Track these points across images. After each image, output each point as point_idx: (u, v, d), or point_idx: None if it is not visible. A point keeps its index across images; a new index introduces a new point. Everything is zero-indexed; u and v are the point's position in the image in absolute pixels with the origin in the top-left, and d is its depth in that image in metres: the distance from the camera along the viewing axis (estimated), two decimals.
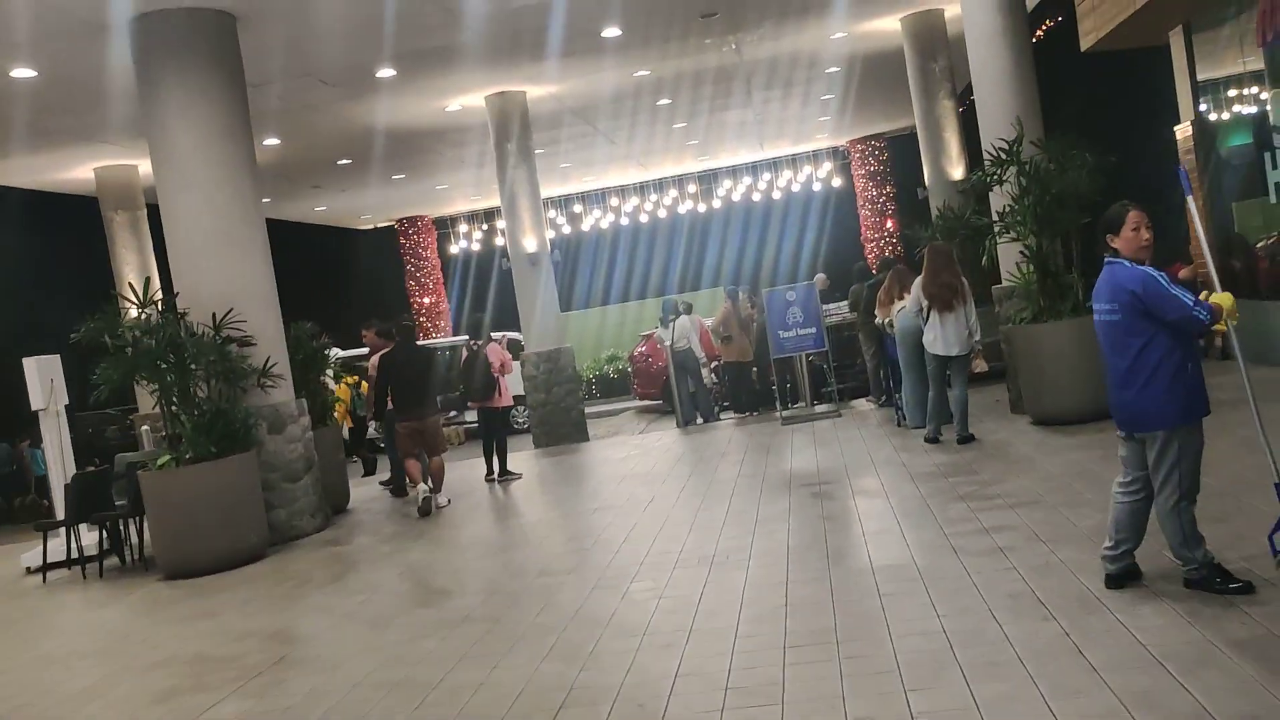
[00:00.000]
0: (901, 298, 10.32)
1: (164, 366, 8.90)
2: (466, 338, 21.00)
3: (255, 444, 9.34)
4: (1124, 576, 4.76)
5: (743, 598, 5.59)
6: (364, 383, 12.54)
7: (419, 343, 12.89)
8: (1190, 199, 5.03)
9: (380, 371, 10.40)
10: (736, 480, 9.16)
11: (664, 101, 16.53)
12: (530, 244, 14.63)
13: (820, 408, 13.30)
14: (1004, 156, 9.46)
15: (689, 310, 14.82)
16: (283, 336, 9.98)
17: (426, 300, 25.12)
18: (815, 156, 24.45)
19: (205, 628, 6.90)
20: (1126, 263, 4.63)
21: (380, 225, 25.79)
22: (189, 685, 5.67)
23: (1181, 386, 4.48)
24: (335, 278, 24.70)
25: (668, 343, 14.30)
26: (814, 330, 12.35)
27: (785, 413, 12.92)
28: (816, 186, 24.54)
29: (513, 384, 17.56)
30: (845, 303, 14.23)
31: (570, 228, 24.97)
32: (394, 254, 25.51)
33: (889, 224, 23.85)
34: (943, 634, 4.56)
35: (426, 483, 10.07)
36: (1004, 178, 9.55)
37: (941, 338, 9.22)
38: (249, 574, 8.43)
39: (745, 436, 12.01)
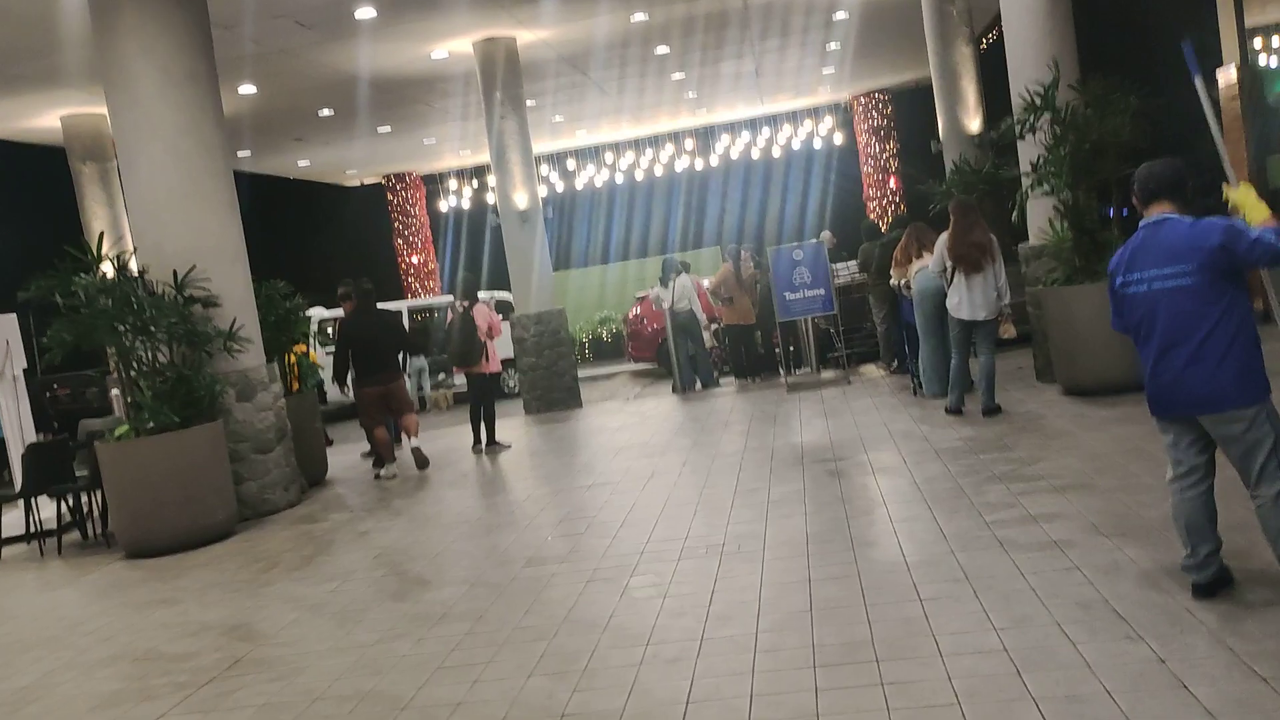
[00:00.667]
0: (920, 257, 9.53)
1: (122, 329, 8.08)
2: (452, 298, 20.25)
3: (222, 413, 8.55)
4: (1216, 584, 4.02)
5: (760, 598, 4.85)
6: (311, 351, 11.84)
7: (385, 305, 12.10)
8: (1198, 80, 4.31)
9: (340, 337, 9.94)
10: (743, 454, 8.41)
11: (662, 50, 15.58)
12: (521, 200, 13.76)
13: (827, 374, 12.54)
14: (1038, 102, 8.59)
15: (686, 269, 14.00)
16: (252, 297, 9.15)
17: (415, 259, 24.23)
18: (816, 112, 23.49)
19: (162, 617, 6.16)
20: (1183, 218, 3.93)
21: (368, 182, 24.81)
22: (134, 690, 4.94)
23: (1260, 352, 3.85)
24: (321, 235, 23.78)
25: (667, 304, 13.49)
26: (823, 292, 11.55)
27: (790, 379, 12.15)
28: (818, 144, 23.61)
29: (502, 347, 16.84)
30: (853, 262, 13.41)
31: (564, 185, 24.02)
32: (382, 211, 24.56)
33: (892, 182, 22.96)
34: (1004, 653, 3.81)
35: (395, 458, 9.92)
36: (1037, 125, 8.69)
37: (967, 301, 8.44)
38: (215, 553, 7.68)
39: (748, 404, 11.25)
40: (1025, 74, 9.11)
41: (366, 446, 11.07)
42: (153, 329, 7.98)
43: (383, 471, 9.99)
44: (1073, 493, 5.77)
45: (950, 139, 13.21)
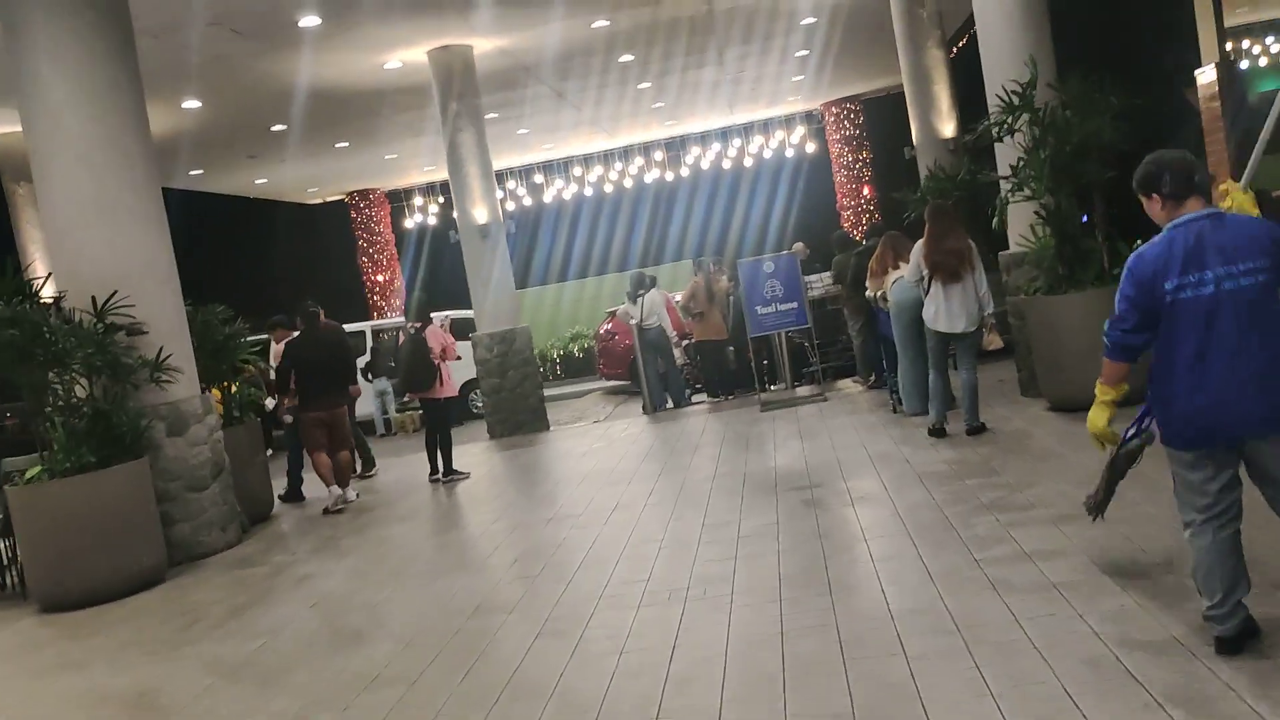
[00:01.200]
0: (896, 267, 9.04)
1: (38, 360, 7.44)
2: (403, 320, 19.62)
3: (150, 449, 7.92)
4: (1242, 637, 3.51)
5: (727, 654, 4.30)
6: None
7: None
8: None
9: (284, 359, 9.41)
10: (713, 481, 7.86)
11: (626, 58, 15.10)
12: (481, 214, 13.20)
13: (803, 390, 12.03)
14: (1016, 102, 8.13)
15: (654, 284, 13.47)
16: (184, 322, 8.54)
17: (380, 278, 23.60)
18: (788, 121, 23.08)
19: (64, 686, 5.53)
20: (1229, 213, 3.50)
21: (330, 199, 24.18)
22: None
23: None
24: (283, 255, 23.13)
25: (636, 320, 12.95)
26: (795, 305, 11.04)
27: (765, 396, 11.63)
28: (789, 153, 23.19)
29: (465, 368, 16.20)
30: (827, 274, 12.91)
31: (531, 199, 23.48)
32: (346, 229, 23.93)
33: (865, 191, 22.57)
34: None
35: (335, 485, 9.49)
36: (1015, 126, 8.23)
37: (945, 311, 7.93)
38: (139, 605, 7.04)
39: (721, 424, 10.71)
40: (1001, 73, 8.65)
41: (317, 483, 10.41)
42: (67, 360, 7.34)
43: (330, 504, 9.54)
44: (1069, 524, 5.26)
45: (924, 145, 12.78)
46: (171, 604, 6.92)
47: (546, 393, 21.12)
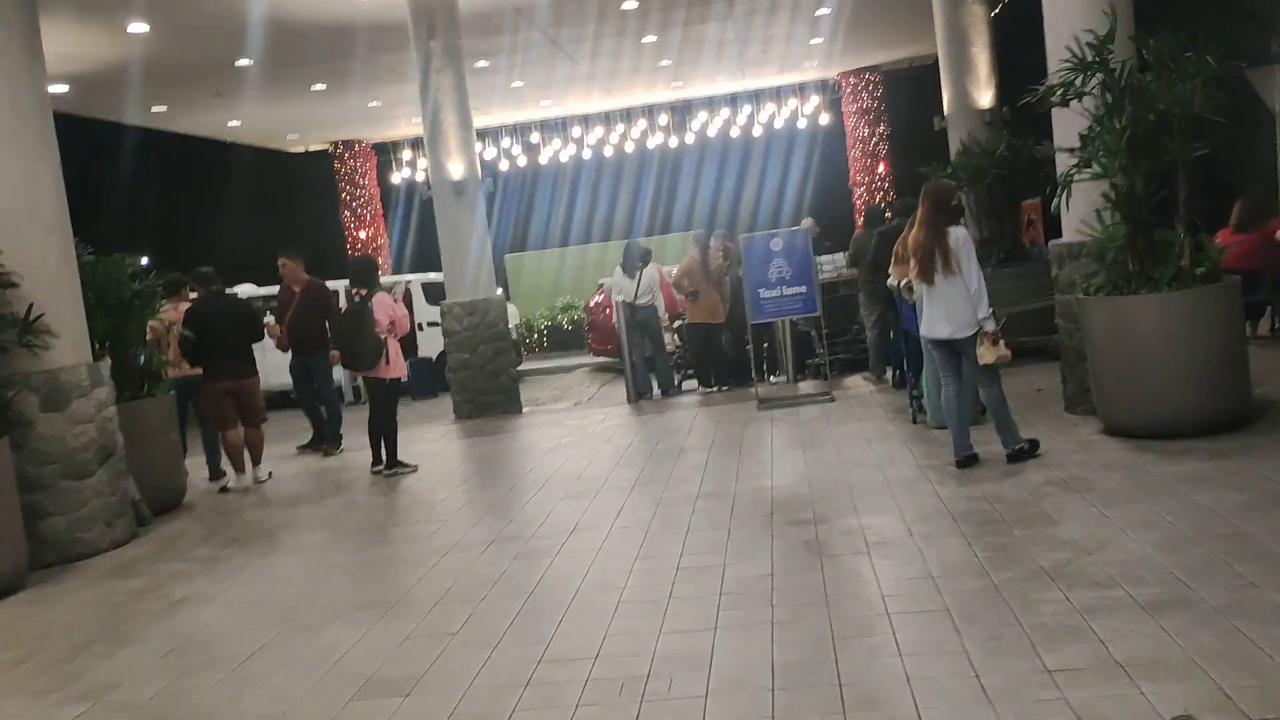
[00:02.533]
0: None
1: None
2: (398, 280, 18.12)
3: (18, 426, 6.48)
4: None
5: None
6: None
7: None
8: None
9: (185, 328, 8.18)
10: (696, 501, 6.41)
11: (629, 5, 13.49)
12: (456, 169, 11.66)
13: (806, 386, 10.57)
14: (1090, 57, 6.58)
15: (648, 258, 11.97)
16: (74, 275, 7.07)
17: (363, 234, 22.02)
18: (802, 90, 21.42)
19: None
20: None
21: (313, 149, 22.54)
22: None
23: None
24: (259, 205, 21.57)
25: (629, 297, 11.42)
26: (804, 290, 9.54)
27: (762, 391, 10.16)
28: (801, 123, 21.55)
29: (431, 342, 14.71)
30: (840, 255, 11.41)
31: (527, 159, 21.86)
32: (328, 181, 22.32)
33: (881, 168, 20.98)
34: None
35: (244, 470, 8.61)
36: (1086, 89, 6.68)
37: (926, 314, 6.55)
38: None
39: (711, 422, 9.25)
40: (1068, 25, 7.06)
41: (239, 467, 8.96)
42: None
43: (230, 484, 8.54)
44: (1168, 613, 3.81)
45: (957, 116, 11.24)
46: (11, 628, 5.49)
47: (530, 366, 19.82)
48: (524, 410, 11.98)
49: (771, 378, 11.56)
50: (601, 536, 5.86)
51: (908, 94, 21.77)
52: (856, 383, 10.50)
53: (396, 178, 22.43)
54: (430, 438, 10.41)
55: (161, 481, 8.04)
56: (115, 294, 7.83)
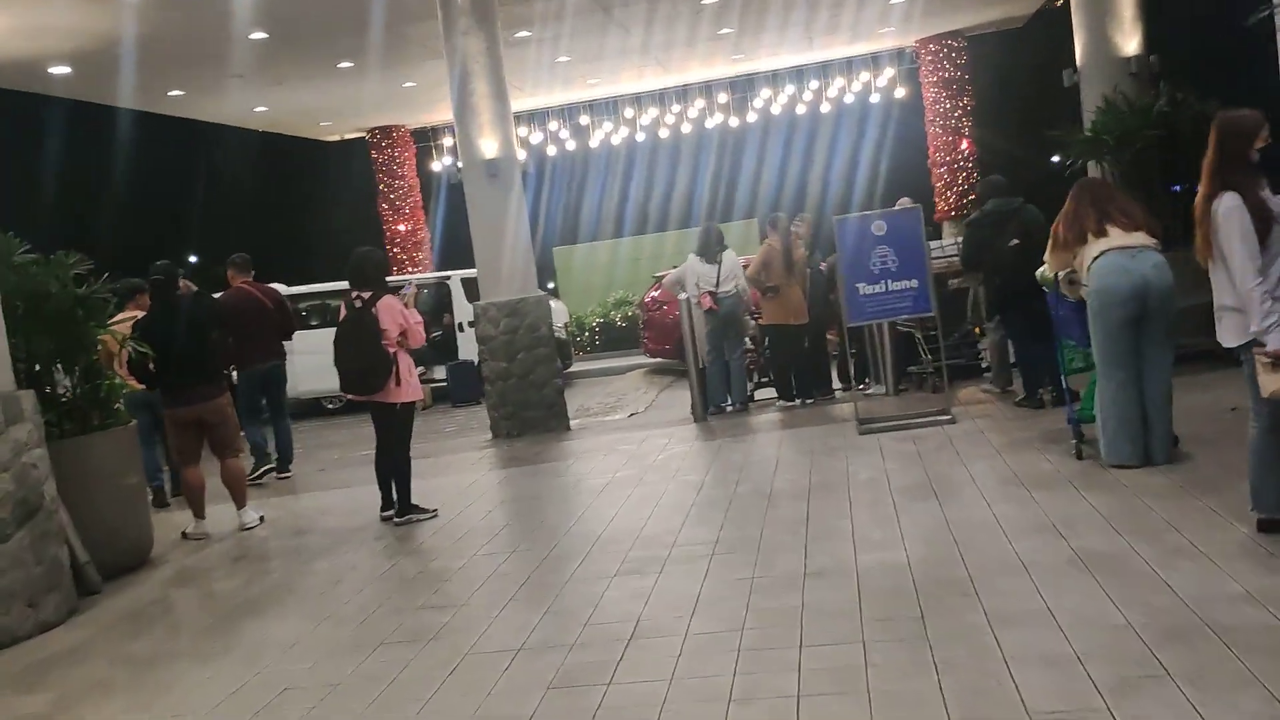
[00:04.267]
0: (1102, 233, 5.57)
1: None
2: (446, 275, 16.42)
3: None
4: None
5: None
6: None
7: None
8: None
9: (136, 340, 6.54)
10: (804, 586, 4.51)
11: None
12: (489, 147, 9.87)
13: (910, 400, 8.61)
14: None
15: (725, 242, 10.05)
16: None
17: (402, 227, 20.37)
18: (875, 60, 19.30)
19: None
20: None
21: (348, 137, 20.95)
22: None
23: None
24: (292, 199, 20.07)
25: (708, 286, 9.49)
26: (916, 284, 7.56)
27: (861, 406, 8.19)
28: (875, 98, 19.46)
29: (471, 345, 13.11)
30: (948, 242, 9.38)
31: (576, 143, 20.05)
32: (365, 171, 20.74)
33: (964, 144, 18.78)
34: None
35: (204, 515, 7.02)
36: None
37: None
38: None
39: (801, 452, 7.32)
40: None
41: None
42: None
43: (190, 530, 6.97)
44: None
45: (1094, 68, 9.15)
46: None
47: (581, 367, 18.00)
48: (571, 425, 10.19)
49: (861, 386, 9.59)
50: (673, 651, 4.00)
51: (994, 63, 19.61)
52: (974, 396, 8.49)
53: (437, 165, 20.76)
54: (460, 466, 8.63)
55: (118, 535, 6.37)
56: (55, 303, 6.14)
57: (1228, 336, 4.25)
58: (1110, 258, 5.48)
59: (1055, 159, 23.76)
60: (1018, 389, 8.08)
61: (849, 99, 19.45)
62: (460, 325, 15.32)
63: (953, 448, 6.75)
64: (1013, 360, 8.26)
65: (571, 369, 16.90)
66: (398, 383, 6.58)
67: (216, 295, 8.45)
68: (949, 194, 18.65)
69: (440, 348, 16.25)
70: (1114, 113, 8.31)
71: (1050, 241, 5.84)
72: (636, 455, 8.02)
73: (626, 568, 5.15)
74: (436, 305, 17.04)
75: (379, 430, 6.82)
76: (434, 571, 5.61)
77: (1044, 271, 6.09)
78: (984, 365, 9.38)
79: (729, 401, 9.65)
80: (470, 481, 7.94)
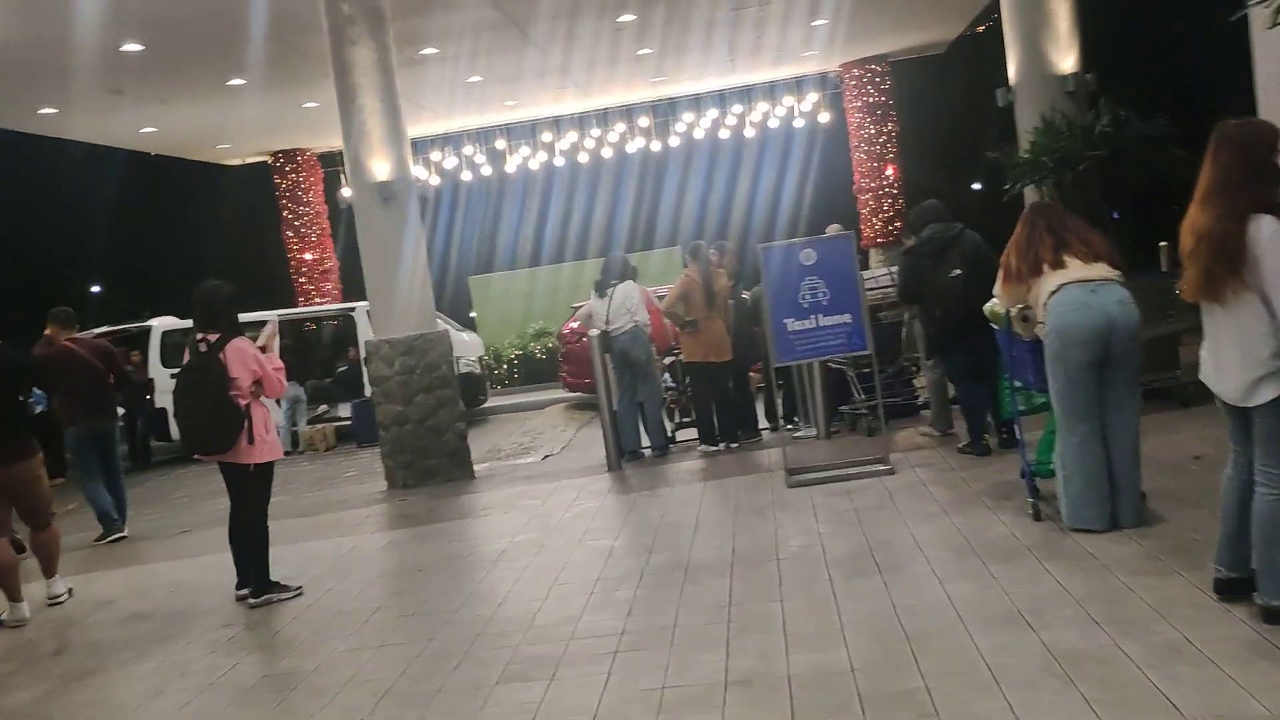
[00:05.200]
0: (1059, 264, 4.84)
1: None
2: (351, 306, 15.28)
3: None
4: None
5: None
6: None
7: None
8: None
9: None
10: (725, 699, 3.62)
11: None
12: (381, 168, 8.90)
13: (842, 444, 7.82)
14: None
15: (633, 274, 9.22)
16: None
17: (308, 256, 19.13)
18: (799, 85, 18.75)
19: None
20: None
21: (250, 161, 19.68)
22: None
23: None
24: (187, 227, 18.73)
25: (602, 321, 8.68)
26: (849, 319, 6.77)
27: (790, 454, 7.35)
28: (799, 123, 18.90)
29: (368, 384, 12.14)
30: (880, 271, 8.64)
31: (492, 168, 19.08)
32: (268, 197, 19.49)
33: (889, 171, 18.30)
34: None
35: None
36: None
37: (1208, 357, 3.74)
38: None
39: (726, 509, 6.45)
40: None
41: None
42: None
43: (5, 616, 5.87)
44: None
45: (1029, 86, 8.53)
46: None
47: (497, 402, 16.97)
48: (478, 471, 9.22)
49: (791, 428, 8.80)
50: None
51: (918, 88, 19.23)
52: (912, 440, 7.72)
53: (346, 191, 19.56)
54: (344, 526, 7.58)
55: None
56: None
57: (1267, 391, 3.47)
58: (1070, 292, 4.74)
59: (977, 186, 23.59)
60: (959, 432, 7.35)
61: (773, 124, 18.85)
62: (366, 359, 14.24)
63: (894, 505, 5.95)
64: (953, 399, 7.54)
65: (486, 404, 15.90)
66: (250, 440, 5.55)
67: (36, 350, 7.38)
68: (875, 220, 18.13)
69: (345, 384, 15.14)
70: (1053, 133, 7.69)
71: (1001, 273, 5.08)
72: (541, 513, 7.07)
73: (511, 672, 4.20)
74: (341, 338, 15.93)
75: (231, 495, 5.77)
76: (280, 676, 4.58)
77: (993, 306, 5.34)
78: (921, 403, 8.67)
79: (642, 445, 8.77)
80: (350, 547, 6.90)
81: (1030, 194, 8.36)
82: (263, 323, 5.99)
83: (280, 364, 5.74)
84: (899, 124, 18.38)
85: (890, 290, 8.31)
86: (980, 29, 17.85)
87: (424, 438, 8.93)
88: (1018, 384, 5.43)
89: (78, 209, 18.52)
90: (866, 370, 8.12)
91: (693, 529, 6.03)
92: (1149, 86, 8.00)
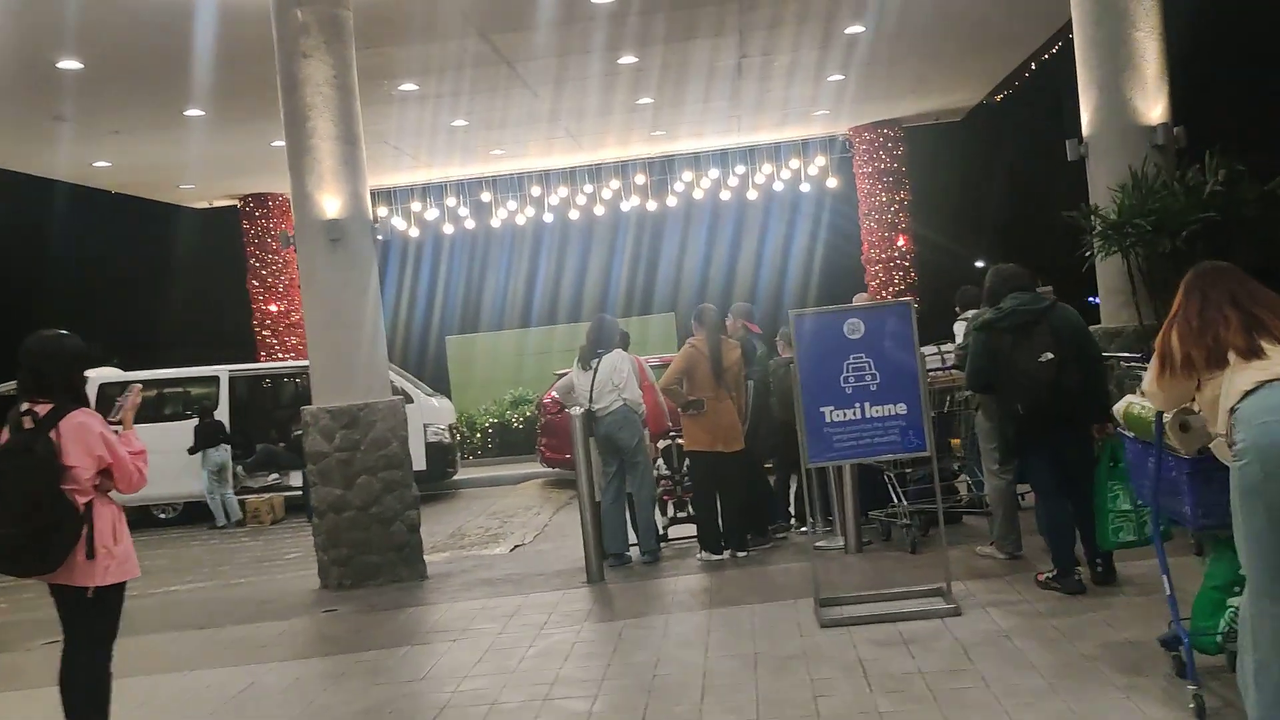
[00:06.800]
0: (1258, 353, 3.29)
1: None
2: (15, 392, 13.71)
3: None
4: None
5: None
6: None
7: None
8: None
9: None
10: None
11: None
12: (331, 204, 7.37)
13: (879, 560, 6.20)
14: None
15: (624, 342, 7.67)
16: None
17: (274, 307, 17.53)
18: (806, 147, 17.47)
19: None
20: None
21: (218, 204, 18.19)
22: None
23: None
24: (151, 272, 17.15)
25: (585, 398, 7.12)
26: (904, 410, 5.19)
27: (822, 588, 5.69)
28: (805, 187, 17.60)
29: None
30: (927, 350, 7.08)
31: (476, 221, 17.64)
32: (236, 244, 17.97)
33: (901, 241, 16.95)
34: None
35: None
36: None
37: None
38: None
39: (737, 662, 4.77)
40: None
41: None
42: None
43: None
44: None
45: (1105, 136, 7.07)
46: None
47: (468, 475, 15.28)
48: (432, 567, 7.57)
49: (806, 530, 7.15)
50: None
51: (931, 154, 17.99)
52: (969, 561, 6.09)
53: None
54: (243, 648, 5.87)
55: None
56: None
57: None
58: (1274, 395, 3.19)
59: (980, 263, 22.26)
60: (1029, 556, 5.75)
61: (778, 186, 17.52)
62: (302, 431, 12.66)
63: (973, 668, 4.31)
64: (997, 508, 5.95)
65: (456, 476, 14.21)
66: (90, 554, 3.89)
67: None
68: (885, 293, 16.69)
69: (299, 449, 13.50)
70: (1147, 192, 6.24)
71: (1155, 364, 3.53)
72: (499, 647, 5.38)
73: None
74: (301, 398, 14.32)
75: (64, 628, 4.09)
76: None
77: (1137, 408, 3.79)
78: (962, 507, 7.09)
79: (629, 551, 7.13)
80: (246, 683, 5.19)
81: (1108, 267, 6.91)
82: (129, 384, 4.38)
83: (141, 446, 4.10)
84: (911, 193, 17.08)
85: (938, 374, 6.75)
86: (999, 98, 16.71)
87: (366, 528, 7.27)
88: (1175, 521, 3.86)
89: (22, 248, 16.92)
90: (907, 470, 6.55)
91: (698, 693, 4.37)
92: (1244, 145, 6.54)
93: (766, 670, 4.54)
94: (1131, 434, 3.89)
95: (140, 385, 4.53)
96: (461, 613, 6.17)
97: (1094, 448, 5.11)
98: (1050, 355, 4.97)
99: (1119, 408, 3.92)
